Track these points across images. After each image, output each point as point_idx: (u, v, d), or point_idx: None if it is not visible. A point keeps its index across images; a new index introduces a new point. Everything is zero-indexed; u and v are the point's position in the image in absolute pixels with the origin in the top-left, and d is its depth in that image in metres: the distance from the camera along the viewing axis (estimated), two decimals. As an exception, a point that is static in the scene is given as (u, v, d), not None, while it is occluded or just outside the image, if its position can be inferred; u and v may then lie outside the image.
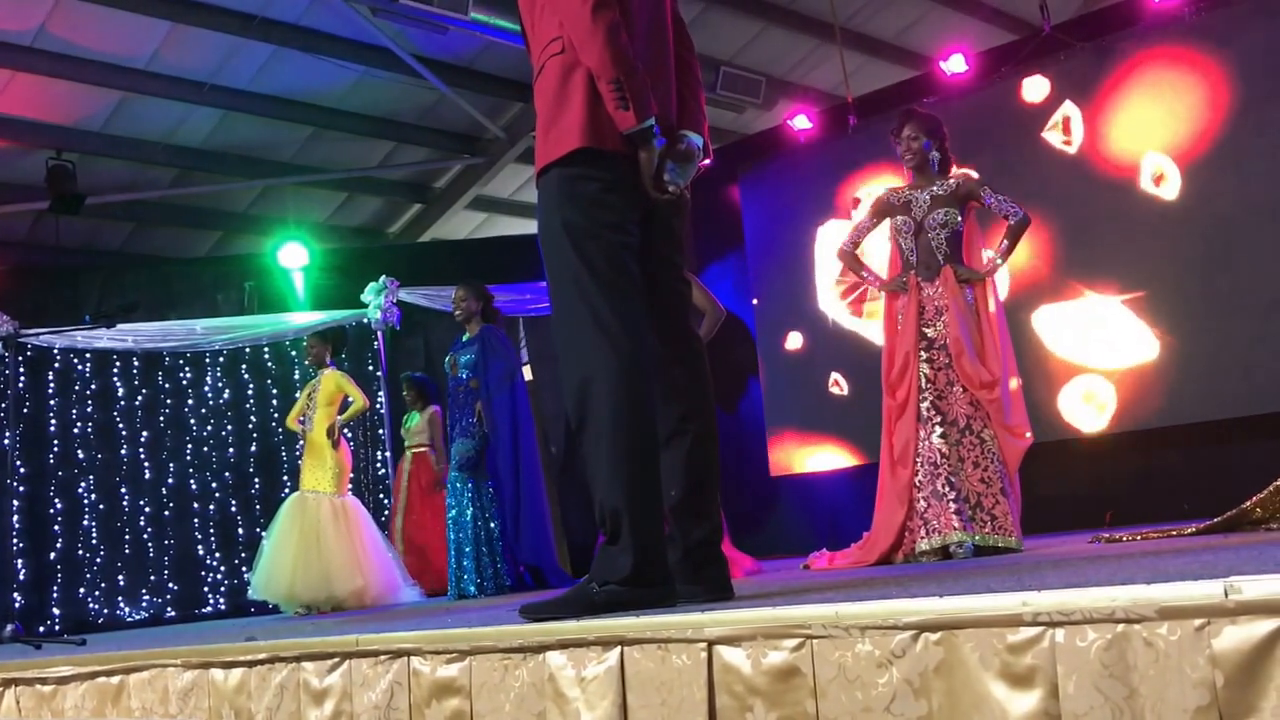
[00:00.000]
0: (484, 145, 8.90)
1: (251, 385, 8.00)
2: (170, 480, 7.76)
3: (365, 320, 7.79)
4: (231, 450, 7.90)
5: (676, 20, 2.53)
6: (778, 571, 4.36)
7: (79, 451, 7.61)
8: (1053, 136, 6.51)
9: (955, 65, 7.00)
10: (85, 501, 7.55)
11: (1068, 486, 6.17)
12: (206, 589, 7.69)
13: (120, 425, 7.73)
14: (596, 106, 2.25)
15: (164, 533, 7.68)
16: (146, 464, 7.74)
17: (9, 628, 4.16)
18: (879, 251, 4.86)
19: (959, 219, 4.21)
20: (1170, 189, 6.07)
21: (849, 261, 4.51)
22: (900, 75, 7.93)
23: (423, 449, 7.07)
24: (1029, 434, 4.11)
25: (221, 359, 7.95)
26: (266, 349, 8.01)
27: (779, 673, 1.58)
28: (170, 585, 7.61)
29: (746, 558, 4.76)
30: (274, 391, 7.97)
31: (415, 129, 8.61)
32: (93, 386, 7.72)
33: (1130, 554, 2.53)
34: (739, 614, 1.66)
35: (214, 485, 7.83)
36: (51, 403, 7.59)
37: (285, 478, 7.78)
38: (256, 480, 7.88)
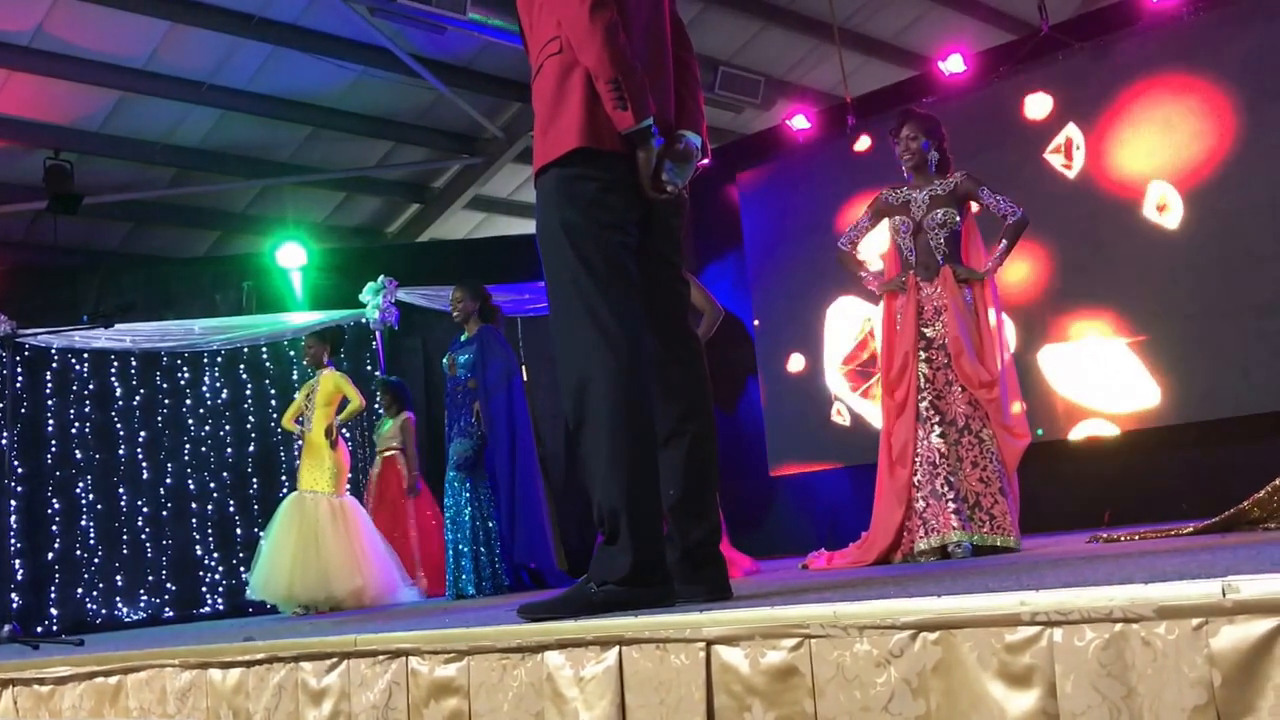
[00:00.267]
0: (482, 145, 8.90)
1: (250, 385, 8.00)
2: (168, 480, 7.75)
3: (363, 320, 7.79)
4: (230, 450, 7.89)
5: (675, 20, 2.53)
6: (776, 571, 4.36)
7: (77, 452, 7.60)
8: (1054, 159, 6.47)
9: (954, 65, 7.00)
10: (83, 502, 7.54)
11: (1066, 486, 6.17)
12: (204, 589, 7.68)
13: (118, 425, 7.72)
14: (595, 106, 2.25)
15: (162, 533, 7.67)
16: (144, 464, 7.73)
17: (7, 628, 4.16)
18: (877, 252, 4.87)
19: (957, 219, 4.22)
20: (1173, 218, 6.01)
21: (847, 261, 4.51)
22: (899, 75, 7.94)
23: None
24: (1026, 428, 4.12)
25: (220, 359, 7.95)
26: (265, 349, 8.00)
27: (777, 672, 1.58)
28: (168, 585, 7.60)
29: (745, 557, 4.76)
30: (272, 391, 7.97)
31: (413, 129, 8.61)
32: (91, 386, 7.71)
33: (1128, 554, 2.54)
34: (737, 614, 1.66)
35: (212, 485, 7.82)
36: (49, 403, 7.58)
37: (283, 478, 7.77)
38: (255, 480, 7.87)
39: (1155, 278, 6.09)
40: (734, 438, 7.90)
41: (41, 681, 2.94)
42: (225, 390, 7.95)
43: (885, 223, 4.36)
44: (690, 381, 2.40)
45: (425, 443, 7.87)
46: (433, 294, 7.76)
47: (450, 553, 5.76)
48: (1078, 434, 6.34)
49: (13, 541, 7.24)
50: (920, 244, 4.23)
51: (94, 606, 7.40)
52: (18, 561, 7.24)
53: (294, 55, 7.29)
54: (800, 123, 7.77)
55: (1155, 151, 6.13)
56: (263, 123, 8.06)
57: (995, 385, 4.03)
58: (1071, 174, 6.42)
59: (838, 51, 7.32)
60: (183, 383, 7.90)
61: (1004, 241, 4.20)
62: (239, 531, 7.75)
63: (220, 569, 7.73)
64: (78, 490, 7.54)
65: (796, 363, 7.67)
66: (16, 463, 7.32)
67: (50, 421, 7.56)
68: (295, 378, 7.84)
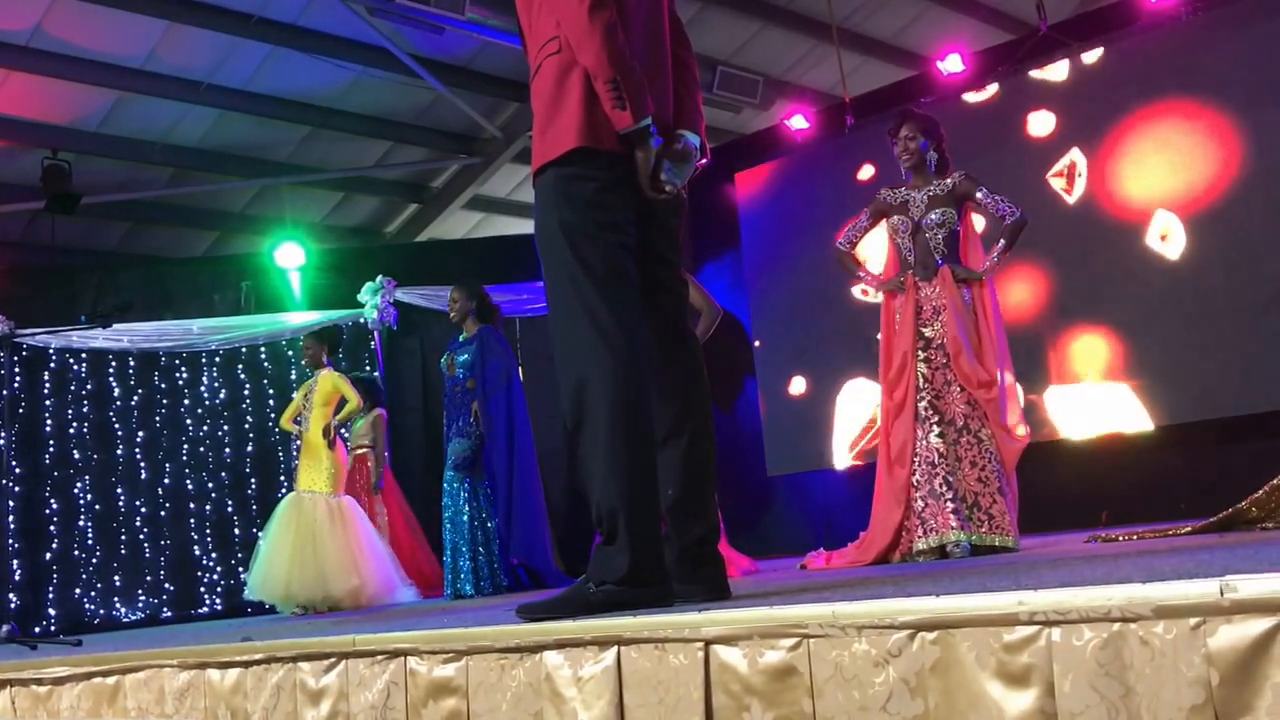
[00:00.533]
0: (481, 145, 8.90)
1: (248, 385, 7.99)
2: (166, 480, 7.74)
3: (362, 320, 7.78)
4: (228, 450, 7.88)
5: (673, 19, 2.53)
6: (774, 571, 4.37)
7: (75, 452, 7.59)
8: (1055, 183, 6.44)
9: (952, 65, 7.01)
10: (81, 502, 7.53)
11: (1065, 486, 6.18)
12: (203, 589, 7.68)
13: (116, 425, 7.71)
14: (593, 106, 2.25)
15: (160, 533, 7.66)
16: (143, 464, 7.72)
17: (4, 628, 4.16)
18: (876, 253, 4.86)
19: (956, 219, 4.22)
20: (1174, 247, 5.98)
21: (845, 261, 4.51)
22: (897, 75, 7.94)
23: (364, 451, 6.88)
24: (1025, 432, 4.12)
25: (218, 359, 7.94)
26: (263, 349, 7.99)
27: (776, 672, 1.58)
28: (166, 586, 7.60)
29: (743, 557, 4.77)
30: (270, 392, 7.96)
31: (412, 129, 8.60)
32: (89, 386, 7.70)
33: (1126, 553, 2.54)
34: (736, 614, 1.66)
35: (210, 485, 7.82)
36: (47, 403, 7.57)
37: (282, 478, 7.77)
38: (253, 480, 7.86)
39: (1155, 281, 6.07)
40: (732, 437, 7.90)
41: (39, 682, 2.94)
42: (223, 390, 7.94)
43: (884, 222, 4.37)
44: (688, 381, 2.40)
45: (423, 442, 7.88)
46: (431, 294, 7.76)
47: (448, 553, 5.76)
48: (1076, 434, 6.34)
49: (10, 541, 7.23)
50: (919, 244, 4.24)
51: (92, 606, 7.39)
52: (15, 561, 7.23)
53: (292, 55, 7.28)
54: (799, 122, 7.78)
55: (1159, 178, 6.07)
56: (261, 122, 8.06)
57: (993, 385, 4.04)
58: (1071, 199, 6.36)
59: (836, 51, 7.33)
60: (181, 383, 7.89)
61: (1002, 242, 4.20)
62: (237, 532, 7.75)
63: (218, 569, 7.72)
64: (76, 490, 7.53)
65: (798, 385, 7.60)
66: (14, 463, 7.31)
67: (48, 421, 7.55)
68: (293, 378, 7.83)
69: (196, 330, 7.76)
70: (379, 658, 2.13)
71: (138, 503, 7.64)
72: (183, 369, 7.90)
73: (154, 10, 6.66)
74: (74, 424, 7.63)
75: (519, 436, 5.96)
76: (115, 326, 6.86)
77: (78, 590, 7.38)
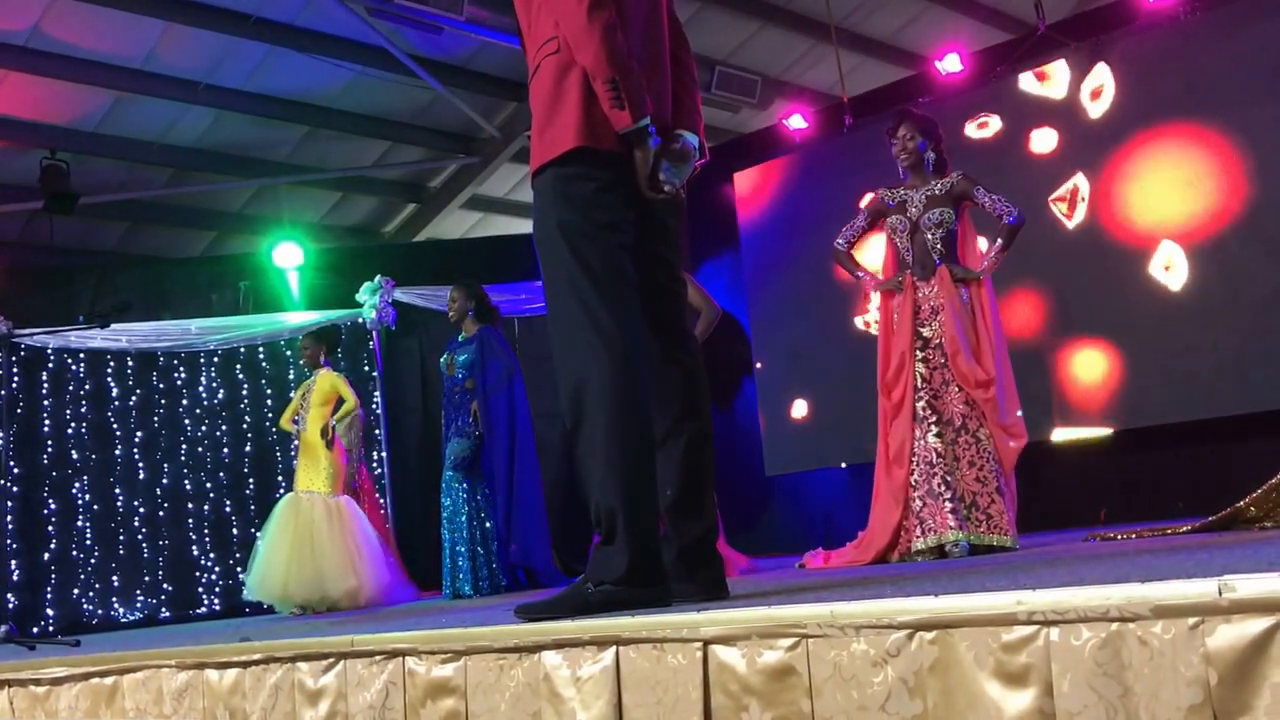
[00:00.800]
0: (479, 145, 8.90)
1: (246, 385, 7.98)
2: (165, 481, 7.73)
3: (360, 320, 7.78)
4: (226, 451, 7.88)
5: (672, 19, 2.53)
6: (773, 571, 4.37)
7: (73, 452, 7.58)
8: (1057, 207, 6.38)
9: (951, 65, 7.01)
10: (79, 502, 7.52)
11: (1063, 486, 6.18)
12: (201, 590, 7.67)
13: (114, 425, 7.70)
14: (592, 106, 2.25)
15: (158, 533, 7.66)
16: (141, 464, 7.71)
17: (3, 628, 4.16)
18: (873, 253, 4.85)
19: (954, 218, 4.23)
20: (1177, 277, 5.94)
21: (843, 261, 4.52)
22: (896, 75, 7.94)
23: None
24: (1023, 428, 4.12)
25: (216, 359, 7.93)
26: (261, 349, 7.99)
27: (774, 672, 1.58)
28: (165, 586, 7.59)
29: (742, 557, 4.77)
30: (269, 392, 7.95)
31: (410, 128, 8.60)
32: (87, 387, 7.69)
33: (1125, 553, 2.54)
34: (734, 613, 1.66)
35: (208, 486, 7.81)
36: (45, 403, 7.56)
37: (280, 478, 7.76)
38: (251, 481, 7.86)
39: (1156, 306, 6.03)
40: (731, 437, 7.91)
41: (38, 682, 2.93)
42: (222, 390, 7.94)
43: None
44: (687, 381, 2.40)
45: (422, 442, 7.87)
46: (430, 294, 7.76)
47: (447, 553, 5.76)
48: (1075, 433, 6.34)
49: (9, 542, 7.23)
50: (917, 244, 4.24)
51: (90, 607, 7.39)
52: (14, 562, 7.23)
53: (291, 55, 7.28)
54: (797, 122, 7.78)
55: (1162, 205, 6.00)
56: (259, 122, 8.06)
57: (991, 385, 4.04)
58: (1070, 225, 6.34)
59: (835, 51, 7.33)
60: (179, 383, 7.89)
61: (1000, 241, 4.21)
62: (235, 532, 7.74)
63: (217, 569, 7.72)
64: (74, 490, 7.53)
65: (800, 409, 7.56)
66: (12, 463, 7.31)
67: (46, 422, 7.54)
68: (292, 378, 7.83)
69: (195, 330, 7.75)
70: (377, 658, 2.13)
71: (136, 503, 7.64)
72: (181, 369, 7.89)
73: (152, 10, 6.65)
74: (72, 424, 7.62)
75: (520, 437, 5.96)
76: (113, 326, 6.85)
77: (76, 590, 7.37)
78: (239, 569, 7.30)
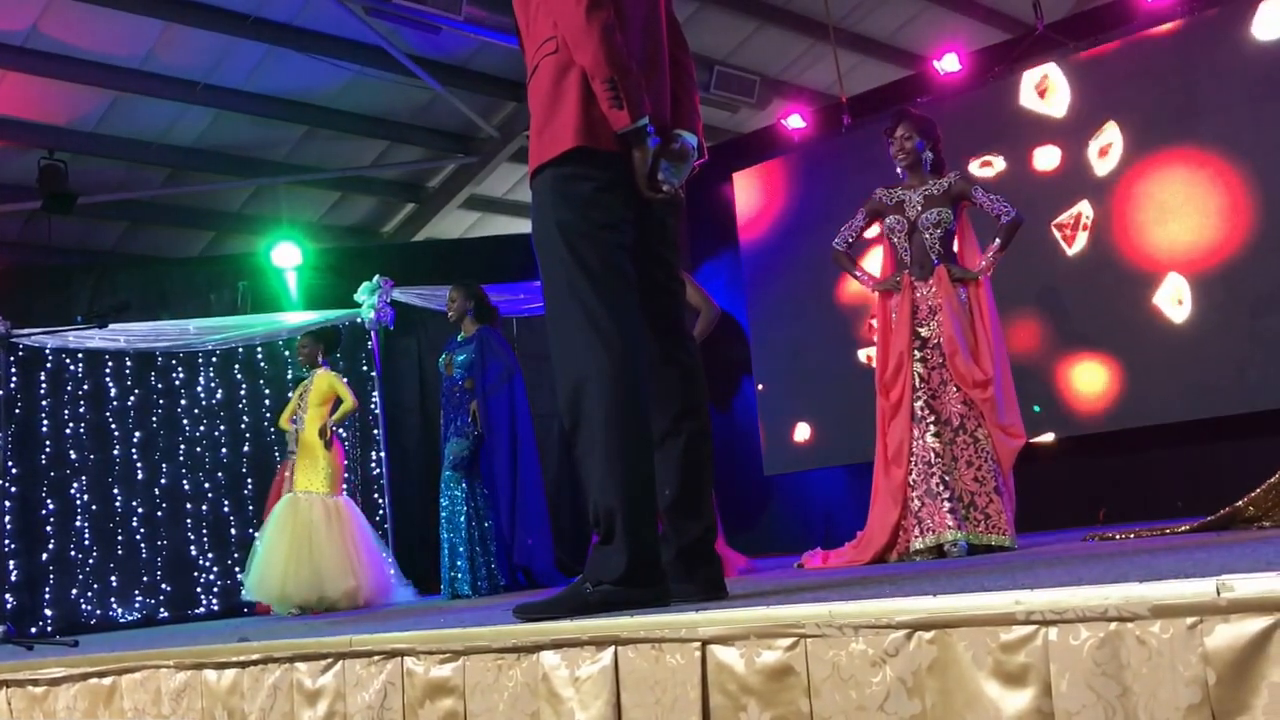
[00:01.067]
0: (478, 144, 8.89)
1: (244, 385, 7.98)
2: (163, 481, 7.73)
3: (359, 320, 7.78)
4: (224, 451, 7.87)
5: (671, 19, 2.53)
6: (771, 570, 4.37)
7: (71, 452, 7.58)
8: (1059, 232, 6.33)
9: (949, 64, 7.01)
10: (78, 502, 7.52)
11: (1061, 485, 6.18)
12: (199, 590, 7.67)
13: (113, 425, 7.70)
14: (591, 106, 2.25)
15: (157, 533, 7.65)
16: (139, 464, 7.71)
17: (1, 629, 4.15)
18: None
19: (952, 218, 4.23)
20: (1182, 311, 5.90)
21: (841, 261, 4.52)
22: (894, 74, 7.94)
23: None
24: (1021, 428, 4.13)
25: (214, 359, 7.93)
26: (260, 349, 7.99)
27: (773, 672, 1.58)
28: (163, 586, 7.59)
29: (740, 557, 4.77)
30: (267, 392, 7.95)
31: (409, 128, 8.60)
32: (85, 387, 7.69)
33: (1123, 552, 2.54)
34: (733, 613, 1.66)
35: (207, 486, 7.81)
36: (43, 403, 7.56)
37: (279, 478, 7.76)
38: (249, 481, 7.85)
39: (1160, 338, 6.01)
40: (729, 437, 7.91)
41: (36, 683, 2.93)
42: (220, 390, 7.93)
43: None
44: (686, 381, 2.40)
45: (420, 442, 7.87)
46: (428, 293, 7.75)
47: (445, 553, 5.76)
48: (1073, 433, 6.34)
49: (7, 542, 7.22)
50: (915, 243, 4.24)
51: (88, 607, 7.38)
52: (12, 562, 7.22)
53: (289, 55, 7.28)
54: (796, 122, 7.78)
55: (1168, 235, 5.95)
56: (258, 122, 8.05)
57: (989, 384, 4.04)
58: (1070, 251, 6.32)
59: (833, 51, 7.33)
60: (177, 383, 7.88)
61: (998, 241, 4.21)
62: (233, 532, 7.74)
63: (215, 569, 7.72)
64: (72, 491, 7.52)
65: (802, 432, 7.51)
66: (11, 463, 7.30)
67: (45, 422, 7.54)
68: (290, 378, 7.83)
69: (193, 330, 7.75)
70: (376, 658, 2.13)
71: (134, 503, 7.63)
72: (179, 369, 7.89)
73: (151, 10, 6.65)
74: (70, 424, 7.61)
75: (521, 437, 5.97)
76: (112, 326, 6.85)
77: (74, 591, 7.37)
78: (237, 569, 7.30)
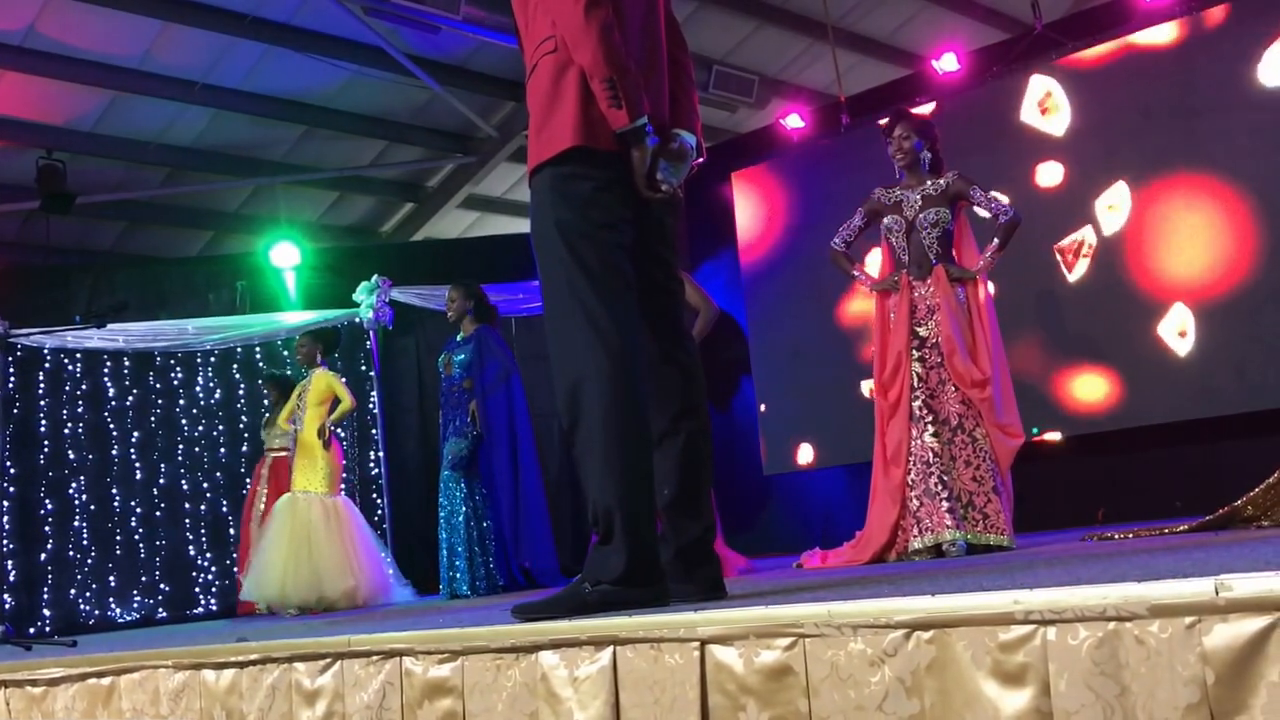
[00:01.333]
0: (476, 144, 8.89)
1: (243, 385, 7.97)
2: (161, 481, 7.73)
3: (358, 320, 7.77)
4: (223, 450, 7.87)
5: (669, 19, 2.53)
6: (770, 570, 4.37)
7: (70, 452, 7.58)
8: (1059, 256, 6.30)
9: (948, 64, 7.01)
10: (76, 502, 7.51)
11: (1060, 485, 6.18)
12: (198, 590, 7.66)
13: (111, 425, 7.70)
14: (589, 105, 2.25)
15: (155, 533, 7.65)
16: (137, 464, 7.71)
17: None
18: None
19: (950, 218, 4.23)
20: (1186, 344, 5.88)
21: (839, 261, 4.52)
22: (893, 74, 7.95)
23: (283, 453, 6.63)
24: (1019, 428, 4.13)
25: (213, 359, 7.93)
26: (258, 349, 7.98)
27: (771, 671, 1.58)
28: (161, 586, 7.58)
29: (739, 556, 4.78)
30: (266, 392, 7.95)
31: (407, 128, 8.59)
32: (83, 387, 7.68)
33: (1122, 552, 2.54)
34: (732, 613, 1.66)
35: (205, 485, 7.80)
36: (42, 403, 7.55)
37: (277, 478, 7.76)
38: (248, 481, 7.85)
39: (1165, 373, 5.99)
40: (728, 436, 7.91)
41: (34, 683, 2.93)
42: (219, 390, 7.93)
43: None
44: (685, 380, 2.40)
45: (419, 442, 7.87)
46: (427, 293, 7.75)
47: (444, 553, 5.75)
48: (1072, 433, 6.35)
49: (5, 542, 7.22)
50: (913, 243, 4.25)
51: (87, 607, 7.38)
52: (10, 562, 7.22)
53: (287, 54, 7.27)
54: (794, 121, 7.78)
55: (1178, 262, 5.91)
56: (256, 122, 8.05)
57: (987, 384, 4.05)
58: (1070, 278, 6.30)
59: (832, 50, 7.33)
60: (176, 383, 7.88)
61: (996, 240, 4.21)
62: (232, 532, 7.73)
63: (214, 569, 7.71)
64: (71, 491, 7.52)
65: (806, 454, 7.49)
66: (9, 463, 7.30)
67: (43, 422, 7.54)
68: (289, 377, 7.82)
69: (192, 330, 7.74)
70: (374, 658, 2.13)
71: (133, 503, 7.63)
72: (178, 369, 7.89)
73: (148, 10, 6.64)
74: (69, 424, 7.61)
75: (520, 437, 5.97)
76: (110, 326, 6.84)
77: (73, 591, 7.37)
78: (236, 569, 7.30)
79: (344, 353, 7.64)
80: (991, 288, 4.39)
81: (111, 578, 7.49)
